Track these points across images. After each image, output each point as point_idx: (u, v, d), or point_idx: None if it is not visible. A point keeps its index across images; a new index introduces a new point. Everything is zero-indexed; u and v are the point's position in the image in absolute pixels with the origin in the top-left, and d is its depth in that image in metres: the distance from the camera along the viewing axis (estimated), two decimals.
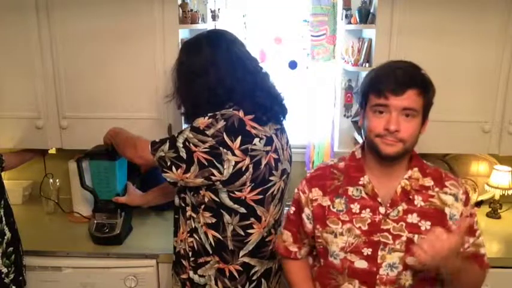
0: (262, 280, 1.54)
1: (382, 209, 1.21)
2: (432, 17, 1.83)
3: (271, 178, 1.45)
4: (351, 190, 1.25)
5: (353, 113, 2.25)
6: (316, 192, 1.30)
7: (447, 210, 1.21)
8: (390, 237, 1.20)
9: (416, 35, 1.84)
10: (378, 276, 1.22)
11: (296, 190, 1.36)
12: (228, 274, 1.49)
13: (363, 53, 1.99)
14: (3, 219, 1.68)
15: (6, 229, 1.69)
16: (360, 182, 1.24)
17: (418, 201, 1.21)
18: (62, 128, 2.01)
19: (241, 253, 1.49)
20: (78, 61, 1.93)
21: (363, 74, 2.13)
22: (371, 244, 1.21)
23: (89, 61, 1.93)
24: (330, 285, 1.30)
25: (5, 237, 1.68)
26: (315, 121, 2.18)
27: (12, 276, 1.70)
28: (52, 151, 2.24)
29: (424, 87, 1.15)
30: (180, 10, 1.91)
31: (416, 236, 1.19)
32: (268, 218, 1.50)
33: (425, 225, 1.20)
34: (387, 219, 1.21)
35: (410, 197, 1.21)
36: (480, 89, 1.91)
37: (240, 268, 1.49)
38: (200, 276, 1.51)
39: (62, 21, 1.88)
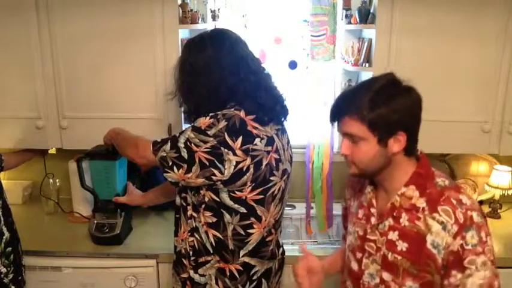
0: (263, 280, 1.54)
1: (373, 220, 1.24)
2: (432, 17, 1.83)
3: (272, 178, 1.45)
4: (362, 196, 1.31)
5: None
6: (349, 192, 1.40)
7: (429, 237, 1.12)
8: (374, 248, 1.22)
9: (416, 35, 1.84)
10: (361, 281, 1.26)
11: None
12: (228, 274, 1.49)
13: (363, 53, 1.99)
14: (2, 219, 1.68)
15: (4, 229, 1.69)
16: (366, 191, 1.29)
17: (404, 220, 1.16)
18: (62, 128, 2.01)
19: (242, 253, 1.49)
20: (78, 61, 1.93)
21: (363, 74, 2.14)
22: (361, 250, 1.26)
23: (89, 61, 1.93)
24: (343, 279, 1.38)
25: (4, 237, 1.68)
26: (315, 121, 2.18)
27: (11, 276, 1.70)
28: (52, 151, 2.24)
29: (362, 110, 1.09)
30: (180, 10, 1.91)
31: (390, 253, 1.18)
32: (269, 218, 1.50)
33: (402, 245, 1.16)
34: (376, 231, 1.22)
35: (395, 214, 1.17)
36: (480, 89, 1.91)
37: (241, 268, 1.49)
38: (201, 275, 1.51)
39: (62, 21, 1.89)
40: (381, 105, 1.10)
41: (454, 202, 1.12)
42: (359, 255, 1.27)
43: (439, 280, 1.13)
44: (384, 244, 1.20)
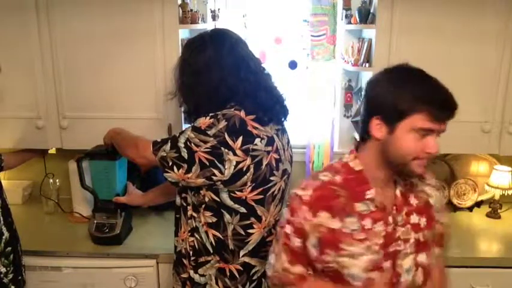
0: (263, 280, 1.54)
1: (390, 218, 1.18)
2: (432, 17, 1.83)
3: (272, 178, 1.45)
4: (358, 206, 1.15)
5: (353, 113, 2.25)
6: (322, 216, 1.15)
7: (431, 200, 1.25)
8: (402, 243, 1.18)
9: (416, 35, 1.84)
10: (399, 285, 1.18)
11: (293, 218, 1.18)
12: (228, 274, 1.49)
13: (363, 53, 1.99)
14: (1, 219, 1.68)
15: (4, 229, 1.69)
16: (367, 196, 1.16)
17: (413, 200, 1.22)
18: (62, 128, 2.01)
19: (242, 253, 1.49)
20: (78, 61, 1.93)
21: (363, 74, 2.14)
22: (389, 256, 1.16)
23: (89, 61, 1.93)
24: None
25: (3, 237, 1.68)
26: (315, 121, 2.18)
27: (11, 276, 1.70)
28: (52, 151, 2.24)
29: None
30: (180, 10, 1.91)
31: (420, 234, 1.19)
32: (269, 218, 1.50)
33: (422, 221, 1.21)
34: (397, 227, 1.18)
35: (408, 198, 1.21)
36: (480, 89, 1.91)
37: (241, 268, 1.49)
38: (201, 275, 1.51)
39: (62, 21, 1.89)
40: None
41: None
42: (387, 263, 1.16)
43: None
44: (411, 231, 1.19)
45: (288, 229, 1.19)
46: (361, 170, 1.18)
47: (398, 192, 1.20)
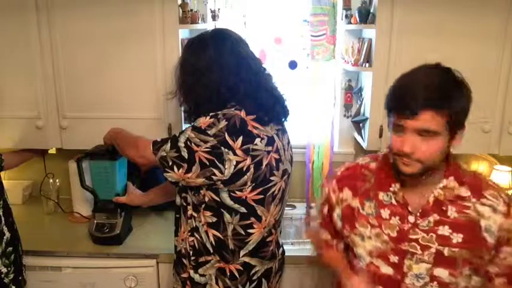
0: (263, 280, 1.54)
1: (411, 218, 1.17)
2: (432, 17, 1.83)
3: (272, 178, 1.45)
4: (382, 195, 1.21)
5: (353, 113, 2.25)
6: (346, 193, 1.26)
7: (483, 222, 1.14)
8: (418, 247, 1.16)
9: (416, 35, 1.84)
10: (403, 285, 1.18)
11: (326, 189, 1.33)
12: (228, 273, 1.49)
13: (363, 53, 1.99)
14: (2, 219, 1.68)
15: (5, 229, 1.69)
16: (391, 189, 1.20)
17: (452, 212, 1.15)
18: (62, 128, 2.01)
19: (242, 253, 1.49)
20: (78, 61, 1.93)
21: (363, 74, 2.14)
22: (398, 252, 1.18)
23: (89, 61, 1.93)
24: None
25: (4, 237, 1.68)
26: (315, 121, 2.18)
27: (11, 276, 1.70)
28: (52, 151, 2.25)
29: (445, 104, 1.06)
30: (180, 10, 1.91)
31: (446, 248, 1.15)
32: (269, 218, 1.50)
33: (457, 237, 1.15)
34: (416, 229, 1.16)
35: (444, 208, 1.16)
36: (480, 89, 1.90)
37: (241, 268, 1.49)
38: (201, 275, 1.51)
39: (62, 21, 1.88)
40: (459, 96, 1.11)
41: (493, 185, 1.20)
42: (394, 258, 1.18)
43: (486, 262, 1.16)
44: (435, 241, 1.15)
45: (323, 197, 1.36)
46: (392, 162, 1.19)
47: (432, 197, 1.16)
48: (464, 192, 1.16)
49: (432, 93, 1.07)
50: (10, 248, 1.70)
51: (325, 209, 1.35)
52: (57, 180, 2.25)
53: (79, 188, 1.99)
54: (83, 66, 1.93)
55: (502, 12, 1.81)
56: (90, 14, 1.87)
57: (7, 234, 1.69)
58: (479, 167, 2.32)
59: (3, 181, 1.74)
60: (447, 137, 1.10)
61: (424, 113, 1.05)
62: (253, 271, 1.51)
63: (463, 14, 1.82)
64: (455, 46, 1.86)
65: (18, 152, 2.10)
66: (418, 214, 1.17)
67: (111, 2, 1.85)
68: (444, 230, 1.15)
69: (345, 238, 1.29)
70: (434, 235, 1.16)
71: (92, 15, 1.87)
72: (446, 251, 1.15)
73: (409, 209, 1.18)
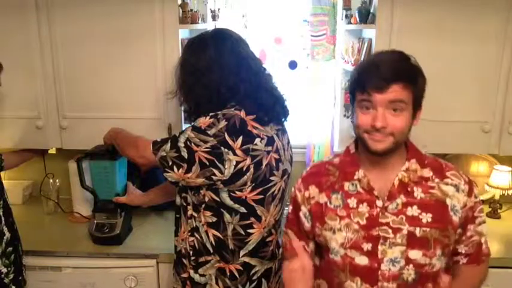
0: (263, 280, 1.54)
1: (379, 203, 1.19)
2: (432, 17, 1.83)
3: (272, 178, 1.45)
4: (347, 185, 1.23)
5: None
6: (312, 190, 1.28)
7: (448, 201, 1.20)
8: (390, 230, 1.17)
9: (416, 35, 1.84)
10: (379, 272, 1.18)
11: (293, 189, 1.34)
12: (228, 273, 1.49)
13: (363, 53, 1.99)
14: (2, 219, 1.68)
15: (5, 229, 1.69)
16: (355, 177, 1.22)
17: (418, 193, 1.19)
18: (62, 128, 2.01)
19: (242, 253, 1.49)
20: (78, 61, 1.93)
21: None
22: (370, 239, 1.19)
23: (89, 61, 1.93)
24: (334, 283, 1.27)
25: (4, 237, 1.68)
26: (315, 121, 2.18)
27: (11, 276, 1.70)
28: (52, 151, 2.25)
29: (411, 79, 1.12)
30: (180, 10, 1.91)
31: (417, 228, 1.17)
32: (269, 218, 1.50)
33: (426, 217, 1.17)
34: (385, 213, 1.18)
35: (409, 189, 1.19)
36: (480, 88, 1.91)
37: (241, 268, 1.49)
38: (201, 275, 1.51)
39: (62, 21, 1.89)
40: (420, 76, 1.16)
41: (452, 166, 1.25)
42: (367, 245, 1.18)
43: (453, 240, 1.22)
44: (405, 222, 1.17)
45: (289, 198, 1.37)
46: (354, 152, 1.26)
47: (397, 180, 1.19)
48: (427, 173, 1.21)
49: (401, 68, 1.13)
50: (10, 248, 1.70)
51: (290, 209, 1.35)
52: (57, 180, 2.25)
53: (79, 188, 1.99)
54: (83, 66, 1.94)
55: (502, 12, 1.81)
56: (90, 13, 1.87)
57: (7, 234, 1.69)
58: (479, 167, 2.32)
59: (3, 181, 1.74)
60: (411, 114, 1.15)
61: (394, 85, 1.10)
62: (253, 271, 1.51)
63: (463, 14, 1.82)
64: (455, 46, 1.86)
65: (18, 152, 2.10)
66: (386, 197, 1.19)
67: (111, 1, 1.86)
68: (413, 211, 1.18)
69: (317, 237, 1.28)
70: (404, 216, 1.18)
71: (92, 15, 1.87)
72: (418, 232, 1.17)
73: (375, 193, 1.20)
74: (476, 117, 1.94)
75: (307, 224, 1.30)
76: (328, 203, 1.25)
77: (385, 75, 1.10)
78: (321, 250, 1.31)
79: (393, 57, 1.17)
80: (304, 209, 1.30)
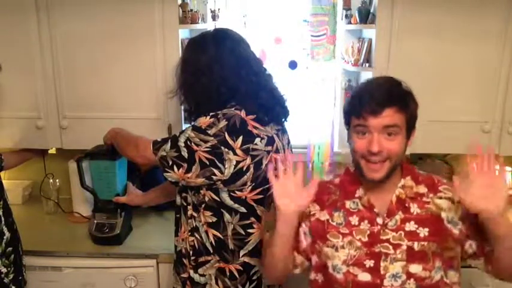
0: (263, 280, 1.54)
1: (379, 220, 1.23)
2: (432, 17, 1.83)
3: None
4: (348, 203, 1.27)
5: None
6: (313, 207, 1.30)
7: (443, 214, 1.23)
8: (391, 247, 1.21)
9: (416, 35, 1.84)
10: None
11: None
12: (228, 273, 1.49)
13: (363, 53, 1.99)
14: (2, 219, 1.68)
15: (5, 229, 1.69)
16: (356, 195, 1.26)
17: (414, 208, 1.23)
18: (62, 128, 2.01)
19: (242, 253, 1.49)
20: (78, 61, 1.93)
21: (363, 74, 2.13)
22: (373, 256, 1.21)
23: (89, 61, 1.93)
24: None
25: (4, 237, 1.68)
26: (315, 121, 2.18)
27: (11, 276, 1.70)
28: (52, 151, 2.24)
29: (403, 102, 1.17)
30: (180, 10, 1.91)
31: (415, 243, 1.20)
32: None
33: (423, 231, 1.21)
34: (386, 229, 1.22)
35: (406, 205, 1.23)
36: (480, 89, 1.91)
37: (241, 268, 1.49)
38: (201, 275, 1.51)
39: (62, 21, 1.89)
40: (412, 100, 1.21)
41: (444, 181, 1.29)
42: (370, 262, 1.21)
43: (459, 252, 1.24)
44: (404, 237, 1.20)
45: None
46: (354, 170, 1.29)
47: (394, 197, 1.23)
48: (422, 189, 1.26)
49: (393, 93, 1.18)
50: (10, 248, 1.70)
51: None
52: (57, 180, 2.25)
53: (79, 188, 1.98)
54: (83, 66, 1.94)
55: (502, 12, 1.81)
56: (90, 13, 1.87)
57: (7, 234, 1.69)
58: None
59: (3, 181, 1.74)
60: (405, 136, 1.19)
61: (388, 109, 1.14)
62: (253, 271, 1.51)
63: (463, 14, 1.82)
64: (455, 46, 1.86)
65: (18, 152, 2.10)
66: (385, 215, 1.22)
67: (111, 1, 1.86)
68: (411, 226, 1.21)
69: (316, 254, 1.29)
70: (402, 232, 1.21)
71: (92, 15, 1.87)
72: (416, 246, 1.20)
73: (376, 211, 1.23)
74: (476, 117, 1.94)
75: (304, 242, 1.31)
76: (330, 221, 1.27)
77: (378, 99, 1.15)
78: (317, 268, 1.31)
79: (385, 82, 1.23)
80: (304, 226, 1.31)
